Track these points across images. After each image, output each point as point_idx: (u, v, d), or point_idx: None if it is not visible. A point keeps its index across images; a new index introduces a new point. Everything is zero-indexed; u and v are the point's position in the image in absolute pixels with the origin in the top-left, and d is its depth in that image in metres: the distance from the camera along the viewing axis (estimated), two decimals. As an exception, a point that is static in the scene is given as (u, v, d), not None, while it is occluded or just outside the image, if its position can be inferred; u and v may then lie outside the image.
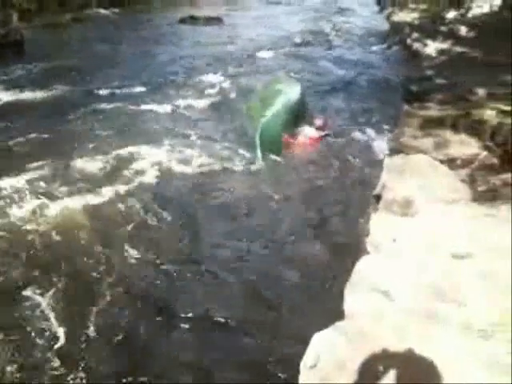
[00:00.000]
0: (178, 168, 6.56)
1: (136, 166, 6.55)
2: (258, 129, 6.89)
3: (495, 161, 4.80)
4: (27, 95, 9.61)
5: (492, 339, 2.43)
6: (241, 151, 6.94)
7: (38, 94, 9.66)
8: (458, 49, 8.73)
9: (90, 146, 7.16)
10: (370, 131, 7.38)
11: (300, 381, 2.41)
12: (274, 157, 6.80)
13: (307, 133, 7.31)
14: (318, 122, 7.51)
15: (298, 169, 6.60)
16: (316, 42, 14.38)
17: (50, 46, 14.30)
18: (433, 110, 5.95)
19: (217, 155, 6.85)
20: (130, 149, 6.95)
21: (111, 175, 6.33)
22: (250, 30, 16.96)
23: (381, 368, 2.29)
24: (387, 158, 4.91)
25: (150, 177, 6.30)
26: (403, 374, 2.26)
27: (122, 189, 5.97)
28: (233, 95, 9.39)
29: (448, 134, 5.27)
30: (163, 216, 5.48)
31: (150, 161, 6.65)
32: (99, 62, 12.47)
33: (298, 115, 7.56)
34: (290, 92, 7.94)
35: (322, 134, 7.34)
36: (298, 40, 14.64)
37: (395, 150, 5.12)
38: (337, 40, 14.73)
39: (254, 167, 6.60)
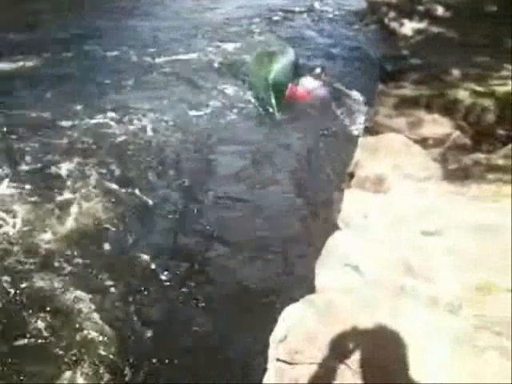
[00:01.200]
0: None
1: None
2: (269, 82, 7.33)
3: (467, 140, 4.86)
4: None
5: (459, 314, 2.47)
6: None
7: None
8: (434, 29, 8.70)
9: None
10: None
11: (270, 355, 2.42)
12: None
13: (307, 82, 7.69)
14: (317, 70, 7.87)
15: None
16: (299, 15, 14.28)
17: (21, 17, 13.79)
18: (407, 90, 5.95)
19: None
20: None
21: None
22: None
23: (350, 341, 2.32)
24: (361, 137, 4.93)
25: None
26: (372, 348, 2.28)
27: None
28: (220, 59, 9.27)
29: (422, 114, 5.29)
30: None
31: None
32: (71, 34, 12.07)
33: (296, 71, 8.10)
34: (286, 52, 8.68)
35: (321, 82, 7.70)
36: (281, 12, 14.59)
37: (369, 129, 5.14)
38: (319, 15, 14.64)
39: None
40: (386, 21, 11.01)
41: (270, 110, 7.11)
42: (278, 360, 2.33)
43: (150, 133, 6.51)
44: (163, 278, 4.17)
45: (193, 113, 7.06)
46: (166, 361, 3.46)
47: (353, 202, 3.65)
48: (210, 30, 11.70)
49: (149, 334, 3.66)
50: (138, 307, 3.88)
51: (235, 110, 7.18)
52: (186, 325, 3.75)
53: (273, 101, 7.13)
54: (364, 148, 4.51)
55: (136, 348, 3.57)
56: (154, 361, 3.46)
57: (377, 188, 3.87)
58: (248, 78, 8.12)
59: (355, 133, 6.45)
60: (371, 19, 12.64)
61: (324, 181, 5.60)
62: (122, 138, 6.38)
